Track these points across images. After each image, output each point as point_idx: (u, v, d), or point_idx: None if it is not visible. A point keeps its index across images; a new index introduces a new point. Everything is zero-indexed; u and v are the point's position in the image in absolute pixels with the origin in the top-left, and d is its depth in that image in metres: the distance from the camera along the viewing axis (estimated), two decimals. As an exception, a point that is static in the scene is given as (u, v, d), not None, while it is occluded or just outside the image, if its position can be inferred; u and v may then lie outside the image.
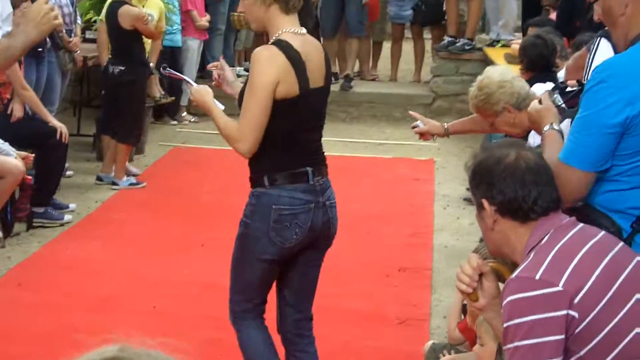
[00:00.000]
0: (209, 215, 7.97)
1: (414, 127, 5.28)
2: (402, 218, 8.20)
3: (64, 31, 8.96)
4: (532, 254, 2.80)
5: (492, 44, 11.83)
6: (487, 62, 11.32)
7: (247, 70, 12.82)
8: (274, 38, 3.98)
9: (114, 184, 8.86)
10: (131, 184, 8.90)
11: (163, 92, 10.66)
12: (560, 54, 6.78)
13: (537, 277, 2.70)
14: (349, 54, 12.12)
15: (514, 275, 2.77)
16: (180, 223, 7.79)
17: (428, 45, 13.20)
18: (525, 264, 2.78)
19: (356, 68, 13.05)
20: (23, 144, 7.49)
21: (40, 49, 8.33)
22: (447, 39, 12.05)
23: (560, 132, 3.51)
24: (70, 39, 9.07)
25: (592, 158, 3.13)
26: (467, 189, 8.72)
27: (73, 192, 8.61)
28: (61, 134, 7.73)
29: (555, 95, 3.77)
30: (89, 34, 10.54)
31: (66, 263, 6.85)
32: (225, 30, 11.96)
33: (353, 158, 10.18)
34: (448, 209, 8.52)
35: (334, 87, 12.01)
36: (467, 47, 11.88)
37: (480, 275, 2.91)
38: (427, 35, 13.31)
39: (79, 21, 9.65)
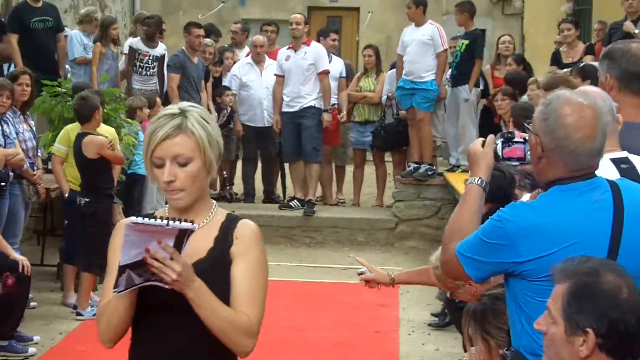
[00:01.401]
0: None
1: (360, 274, 5.25)
2: (368, 345, 8.20)
3: (28, 164, 9.04)
4: None
5: (452, 169, 12.07)
6: (448, 186, 11.54)
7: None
8: (210, 215, 3.25)
9: (78, 314, 8.83)
10: (95, 315, 8.84)
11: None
12: (519, 184, 6.90)
13: None
14: (310, 180, 12.25)
15: None
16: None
17: (390, 167, 13.41)
18: None
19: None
20: (-15, 279, 7.46)
21: (3, 184, 8.39)
22: (412, 165, 12.26)
23: (485, 188, 3.52)
24: (34, 172, 9.15)
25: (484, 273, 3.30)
26: (432, 314, 8.83)
27: (37, 324, 8.55)
28: (23, 266, 7.72)
29: (497, 143, 3.67)
30: (51, 166, 10.60)
31: (30, 398, 6.77)
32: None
33: (318, 284, 10.21)
34: (413, 335, 8.54)
35: (298, 213, 12.17)
36: (429, 173, 12.08)
37: None
38: (388, 158, 13.51)
39: (39, 154, 9.73)
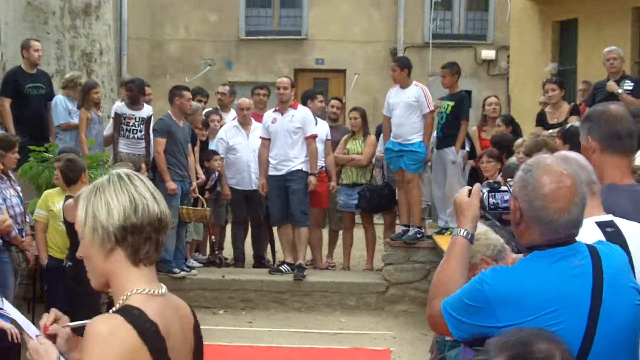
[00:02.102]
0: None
1: None
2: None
3: (17, 231, 9.01)
4: None
5: (441, 231, 12.06)
6: (437, 250, 11.51)
7: (196, 260, 12.94)
8: (120, 302, 2.81)
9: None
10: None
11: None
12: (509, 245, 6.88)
13: None
14: (299, 244, 12.21)
15: None
16: None
17: (379, 230, 13.38)
18: None
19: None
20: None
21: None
22: (401, 228, 12.24)
23: (471, 240, 3.52)
24: (23, 239, 9.11)
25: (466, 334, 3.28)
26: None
27: (25, 394, 8.44)
28: (12, 334, 7.64)
29: (484, 192, 3.65)
30: (36, 232, 10.60)
31: None
32: (178, 224, 12.05)
33: (308, 350, 10.13)
34: (406, 401, 8.48)
35: (288, 277, 12.11)
36: (418, 236, 12.06)
37: None
38: (378, 220, 13.50)
39: (27, 219, 9.70)
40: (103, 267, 2.85)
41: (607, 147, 4.28)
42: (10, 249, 9.04)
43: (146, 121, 12.22)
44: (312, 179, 12.04)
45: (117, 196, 2.84)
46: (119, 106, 12.34)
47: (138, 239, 2.82)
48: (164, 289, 2.87)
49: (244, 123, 13.00)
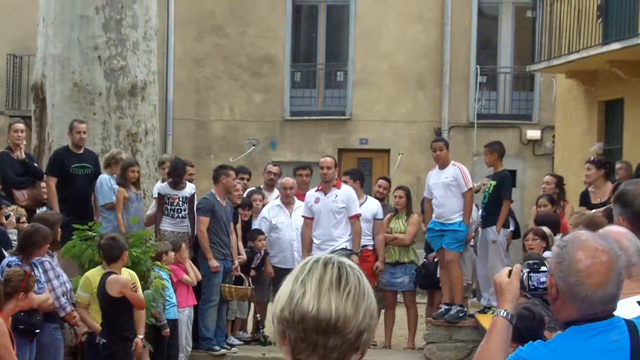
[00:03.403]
0: None
1: None
2: None
3: (70, 308, 9.18)
4: None
5: (484, 310, 11.95)
6: (480, 328, 11.39)
7: (238, 338, 12.88)
8: None
9: None
10: None
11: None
12: (549, 325, 6.80)
13: None
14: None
15: None
16: None
17: (421, 309, 13.27)
18: None
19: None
20: None
21: (37, 331, 8.49)
22: (443, 306, 12.14)
23: (511, 320, 3.48)
24: (75, 315, 9.26)
25: None
26: None
27: None
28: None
29: (525, 273, 3.58)
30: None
31: None
32: (219, 302, 12.05)
33: None
34: None
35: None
36: (460, 315, 11.96)
37: None
38: (420, 299, 13.40)
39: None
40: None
41: (639, 229, 4.23)
42: (64, 326, 9.19)
43: (189, 200, 12.31)
44: (354, 257, 11.99)
45: (289, 283, 2.43)
46: (162, 187, 12.43)
47: (294, 336, 2.38)
48: None
49: (287, 202, 13.07)
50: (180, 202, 12.30)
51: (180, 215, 12.29)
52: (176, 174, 12.27)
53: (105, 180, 12.31)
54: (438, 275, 12.44)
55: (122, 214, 12.01)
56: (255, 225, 13.21)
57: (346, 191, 12.24)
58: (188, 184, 12.52)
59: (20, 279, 7.84)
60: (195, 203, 12.35)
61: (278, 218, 13.03)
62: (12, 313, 7.86)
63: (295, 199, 13.07)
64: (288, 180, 13.28)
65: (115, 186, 12.21)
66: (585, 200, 12.00)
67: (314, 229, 12.20)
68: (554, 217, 11.34)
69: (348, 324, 2.35)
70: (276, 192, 14.01)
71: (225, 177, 12.17)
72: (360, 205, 12.41)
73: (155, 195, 12.55)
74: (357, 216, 12.15)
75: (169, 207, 12.30)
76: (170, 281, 11.18)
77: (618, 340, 3.21)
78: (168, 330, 10.68)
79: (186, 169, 12.61)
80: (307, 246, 12.23)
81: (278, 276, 13.02)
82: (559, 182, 12.55)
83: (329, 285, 2.36)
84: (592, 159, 13.12)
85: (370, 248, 12.83)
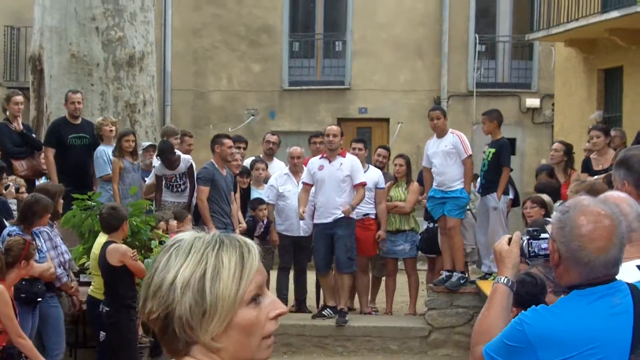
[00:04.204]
0: None
1: None
2: None
3: (67, 277, 9.20)
4: None
5: (485, 277, 11.98)
6: (481, 295, 11.42)
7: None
8: None
9: None
10: None
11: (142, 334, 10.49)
12: (555, 290, 6.80)
13: None
14: (342, 290, 12.17)
15: None
16: None
17: (422, 276, 13.31)
18: None
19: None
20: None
21: (39, 299, 8.52)
22: (444, 273, 12.17)
23: (512, 287, 3.51)
24: (72, 285, 9.28)
25: None
26: None
27: None
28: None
29: (524, 240, 3.63)
30: (82, 278, 10.67)
31: None
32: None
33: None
34: None
35: (330, 322, 12.05)
36: (461, 282, 12.00)
37: None
38: (420, 266, 13.44)
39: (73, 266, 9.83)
40: None
41: None
42: (61, 295, 9.22)
43: (188, 172, 12.28)
44: (348, 208, 11.83)
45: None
46: (158, 168, 12.37)
47: None
48: None
49: (295, 171, 13.05)
50: (178, 178, 12.29)
51: (179, 189, 12.30)
52: (164, 157, 12.21)
53: (101, 152, 12.26)
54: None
55: (117, 185, 11.98)
56: (259, 194, 13.18)
57: (351, 160, 12.22)
58: (182, 157, 12.40)
59: (21, 248, 7.85)
60: (195, 172, 12.33)
61: (285, 186, 13.01)
62: (14, 282, 7.87)
63: (304, 167, 13.00)
64: (296, 149, 13.27)
65: (113, 158, 12.15)
66: (587, 166, 12.00)
67: (315, 196, 12.19)
68: (554, 184, 11.34)
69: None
70: (275, 161, 14.01)
71: (219, 146, 12.12)
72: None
73: (153, 176, 12.52)
74: (363, 184, 12.11)
75: (168, 185, 12.29)
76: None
77: (621, 303, 3.23)
78: None
79: (174, 150, 12.44)
80: (304, 203, 12.13)
81: (283, 243, 13.04)
82: (568, 149, 12.49)
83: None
84: (598, 126, 13.09)
85: (373, 216, 12.84)
